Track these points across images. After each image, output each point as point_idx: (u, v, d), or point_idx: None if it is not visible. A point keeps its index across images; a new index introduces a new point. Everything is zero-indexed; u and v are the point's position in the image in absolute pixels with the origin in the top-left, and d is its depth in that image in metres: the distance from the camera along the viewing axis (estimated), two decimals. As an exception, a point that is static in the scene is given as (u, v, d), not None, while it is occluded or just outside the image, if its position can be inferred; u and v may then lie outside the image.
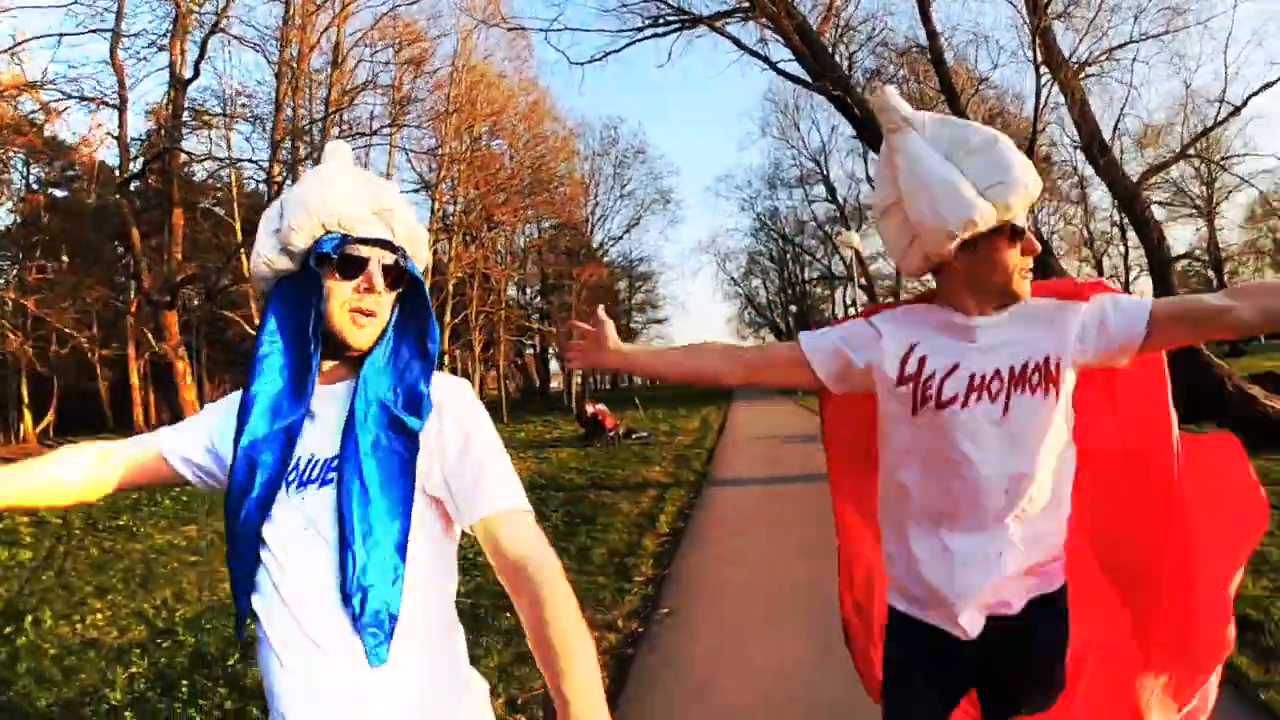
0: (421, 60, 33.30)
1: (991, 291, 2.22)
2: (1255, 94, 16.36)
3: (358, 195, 1.84)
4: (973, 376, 2.19)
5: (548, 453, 21.58)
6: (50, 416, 37.88)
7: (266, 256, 1.86)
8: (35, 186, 27.35)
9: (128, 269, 36.90)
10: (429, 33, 33.63)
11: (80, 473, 1.81)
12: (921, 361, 2.24)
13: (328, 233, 1.82)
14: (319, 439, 1.79)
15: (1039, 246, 2.20)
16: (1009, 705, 2.37)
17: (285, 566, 1.70)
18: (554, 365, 64.48)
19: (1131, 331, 2.15)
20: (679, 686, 5.29)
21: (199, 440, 1.88)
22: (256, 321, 2.00)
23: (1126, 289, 45.85)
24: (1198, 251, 57.54)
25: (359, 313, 1.82)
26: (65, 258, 34.88)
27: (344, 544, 1.67)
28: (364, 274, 1.83)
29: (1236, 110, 16.33)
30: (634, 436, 23.93)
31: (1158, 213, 49.49)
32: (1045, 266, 14.32)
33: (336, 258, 1.81)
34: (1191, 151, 22.41)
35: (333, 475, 1.74)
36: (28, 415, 36.90)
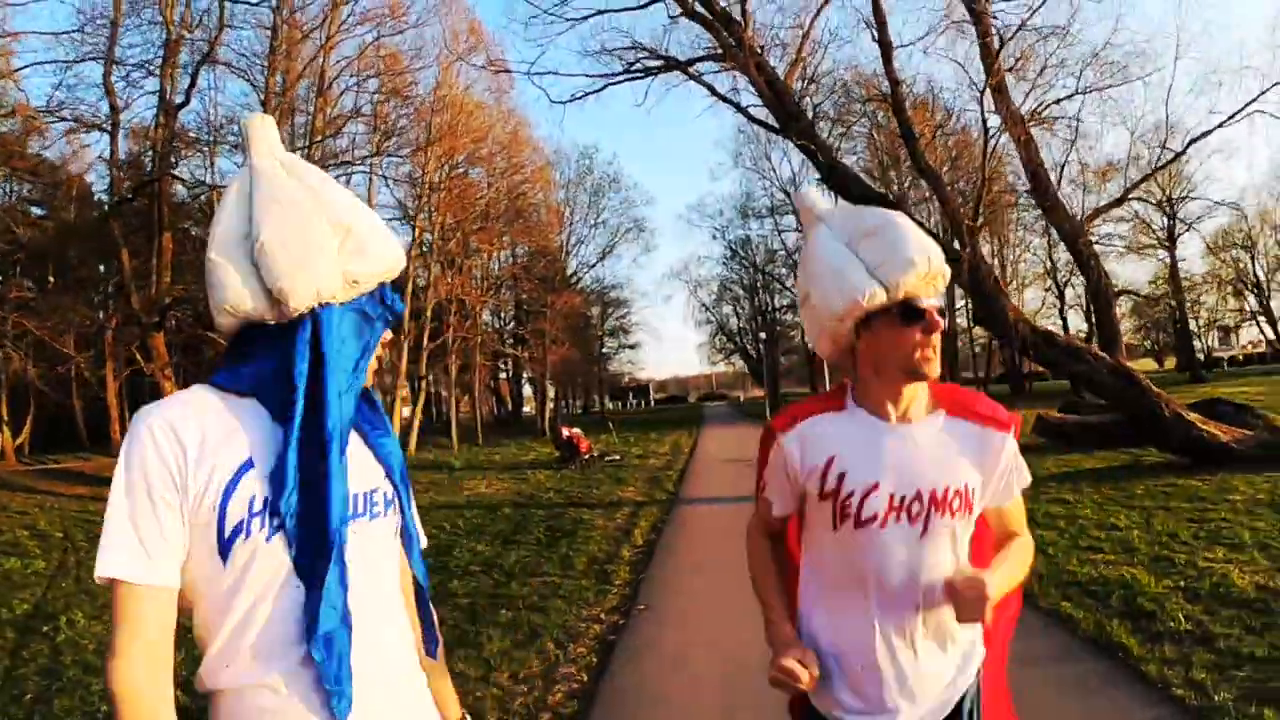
0: (404, 91, 33.95)
1: (893, 372, 2.21)
2: (1194, 141, 17.54)
3: (331, 273, 1.73)
4: (892, 497, 2.17)
5: (525, 474, 22.42)
6: (25, 435, 37.78)
7: (326, 286, 1.70)
8: (16, 204, 27.64)
9: (105, 289, 37.14)
10: (412, 64, 34.29)
11: (168, 690, 1.55)
12: (840, 478, 2.20)
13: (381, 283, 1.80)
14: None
15: (941, 324, 2.18)
16: None
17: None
18: (526, 390, 65.16)
19: (1000, 503, 2.33)
20: (657, 662, 6.26)
21: (179, 527, 1.55)
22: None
23: (1089, 318, 46.91)
24: (1147, 288, 58.73)
25: (378, 361, 1.87)
26: (52, 278, 35.23)
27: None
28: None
29: (1177, 155, 17.47)
30: (607, 459, 24.61)
31: (1118, 245, 50.88)
32: (994, 305, 15.38)
33: (393, 313, 1.85)
34: (1135, 194, 23.15)
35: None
36: (7, 432, 36.93)
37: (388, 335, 1.83)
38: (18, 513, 18.64)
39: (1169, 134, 18.64)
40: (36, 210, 31.53)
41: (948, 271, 2.19)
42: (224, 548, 1.53)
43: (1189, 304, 60.46)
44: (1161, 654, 5.36)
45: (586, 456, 24.22)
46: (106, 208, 25.64)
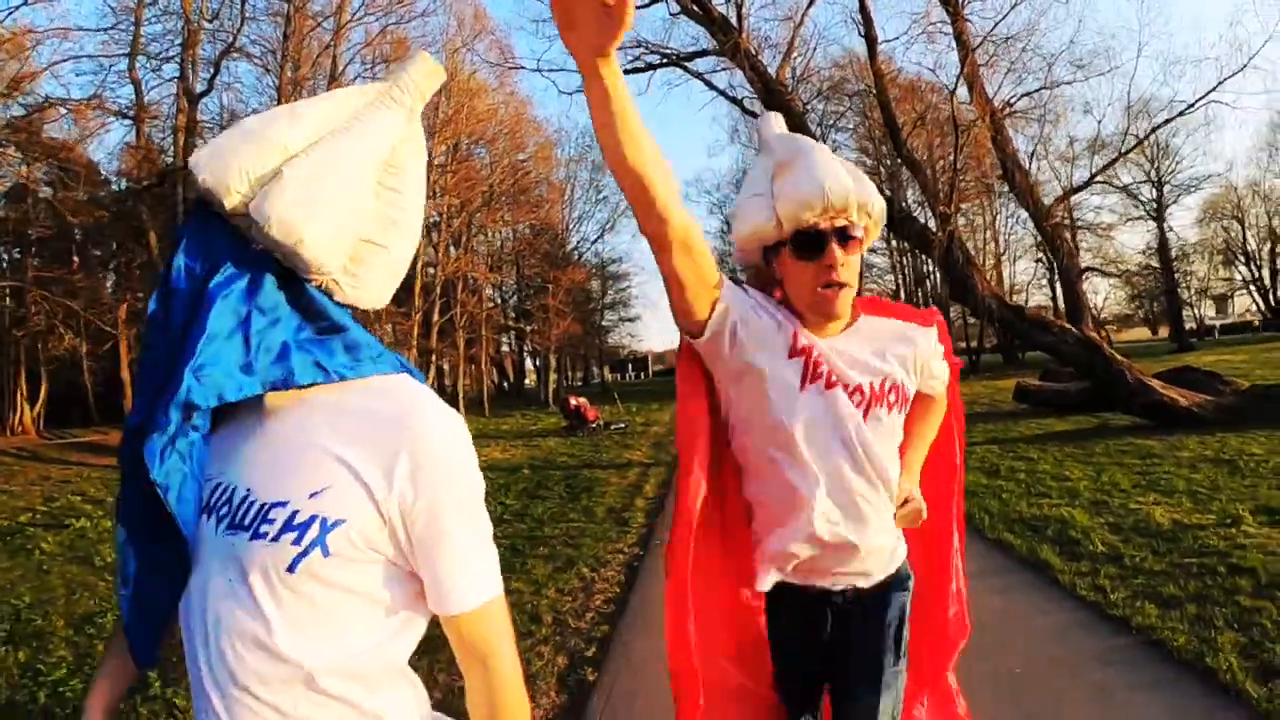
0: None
1: (802, 306, 2.23)
2: (1155, 129, 19.06)
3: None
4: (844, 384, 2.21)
5: (536, 441, 23.81)
6: (40, 409, 38.27)
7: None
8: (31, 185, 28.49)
9: (123, 268, 37.84)
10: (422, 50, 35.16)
11: None
12: (810, 343, 2.20)
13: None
14: None
15: (838, 259, 2.13)
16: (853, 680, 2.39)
17: None
18: (528, 363, 66.31)
19: (929, 386, 2.52)
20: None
21: None
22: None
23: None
24: (1139, 258, 59.56)
25: None
26: (76, 258, 36.14)
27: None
28: None
29: (1140, 142, 18.81)
30: (612, 427, 25.75)
31: (1108, 217, 51.83)
32: (966, 281, 16.63)
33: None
34: (1121, 165, 24.29)
35: None
36: (26, 408, 37.58)
37: None
38: (61, 482, 19.78)
39: (1131, 121, 19.92)
40: (46, 190, 32.10)
41: (867, 203, 2.18)
42: None
43: (1179, 274, 61.41)
44: (1077, 569, 6.69)
45: (593, 425, 25.42)
46: (131, 191, 26.55)
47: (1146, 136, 19.43)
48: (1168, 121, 18.25)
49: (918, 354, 2.35)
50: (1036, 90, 18.08)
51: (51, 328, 28.10)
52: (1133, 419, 15.45)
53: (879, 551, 2.31)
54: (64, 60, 23.81)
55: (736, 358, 2.20)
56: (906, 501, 2.35)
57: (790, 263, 2.20)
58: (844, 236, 2.16)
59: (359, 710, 1.40)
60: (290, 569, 1.31)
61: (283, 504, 1.32)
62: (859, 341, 2.26)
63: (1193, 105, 18.13)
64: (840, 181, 2.13)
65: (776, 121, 2.52)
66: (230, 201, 1.39)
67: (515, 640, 1.47)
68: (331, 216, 1.44)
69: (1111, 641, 5.21)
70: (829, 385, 2.19)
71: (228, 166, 1.39)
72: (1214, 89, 17.95)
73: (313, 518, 1.32)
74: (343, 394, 1.43)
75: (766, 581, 2.35)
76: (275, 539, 1.31)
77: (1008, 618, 5.83)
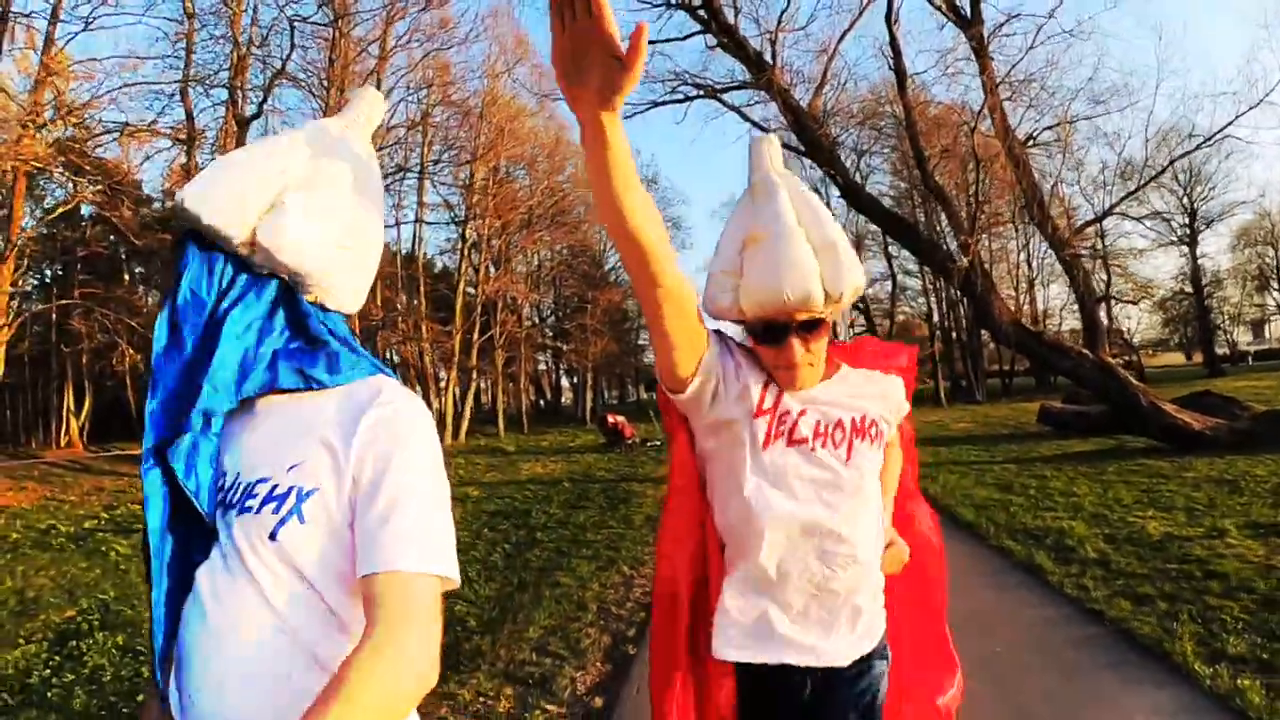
0: (454, 100, 35.91)
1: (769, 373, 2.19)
2: (1174, 161, 19.68)
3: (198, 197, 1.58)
4: (819, 423, 2.15)
5: (575, 457, 24.63)
6: (84, 422, 38.78)
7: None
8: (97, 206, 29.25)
9: (159, 284, 38.73)
10: (462, 76, 36.12)
11: None
12: (778, 397, 2.15)
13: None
14: None
15: (795, 352, 2.08)
16: None
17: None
18: (564, 381, 67.14)
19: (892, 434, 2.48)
20: None
21: None
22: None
23: (1109, 313, 48.11)
24: (1171, 283, 59.68)
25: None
26: (127, 276, 37.34)
27: None
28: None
29: (1153, 178, 19.47)
30: (648, 444, 26.32)
31: (1140, 242, 52.01)
32: (987, 307, 17.30)
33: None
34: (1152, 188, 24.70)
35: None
36: (73, 421, 38.27)
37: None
38: (116, 492, 20.74)
39: (1150, 154, 20.57)
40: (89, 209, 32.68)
41: (835, 290, 2.08)
42: None
43: (1213, 299, 61.42)
44: (1067, 572, 7.44)
45: (630, 441, 26.08)
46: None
47: (1159, 174, 20.19)
48: (1182, 156, 19.14)
49: (889, 402, 2.35)
50: (1054, 125, 18.79)
51: (113, 345, 28.85)
52: (1149, 441, 15.92)
53: (853, 611, 2.20)
54: (129, 86, 24.63)
55: (714, 414, 2.15)
56: (889, 545, 2.32)
57: (757, 342, 2.17)
58: (807, 327, 2.09)
59: None
60: (272, 537, 1.41)
61: (265, 479, 1.46)
62: (838, 387, 2.24)
63: (1209, 139, 18.86)
64: (801, 283, 2.04)
65: (771, 150, 2.32)
66: (237, 233, 1.56)
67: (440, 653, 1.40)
68: (328, 238, 1.65)
69: (1086, 630, 5.96)
70: (792, 442, 2.13)
71: (228, 201, 1.56)
72: (1230, 124, 18.52)
73: (290, 489, 1.44)
74: (327, 395, 1.57)
75: (723, 650, 2.17)
76: (258, 511, 1.43)
77: (997, 609, 6.60)
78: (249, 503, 1.45)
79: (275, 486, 1.45)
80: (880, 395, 2.31)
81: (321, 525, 1.44)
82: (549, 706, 5.26)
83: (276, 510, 1.43)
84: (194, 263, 1.57)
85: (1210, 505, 9.89)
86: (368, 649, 1.30)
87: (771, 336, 2.11)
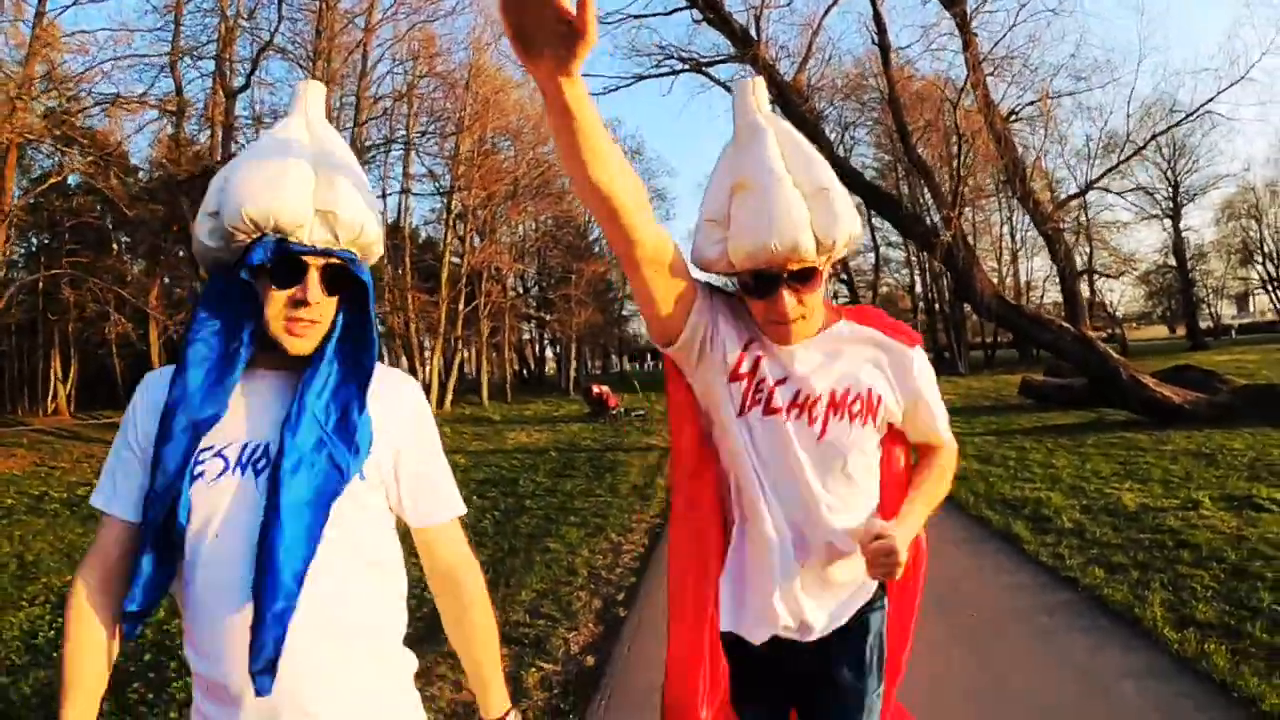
0: (439, 71, 35.84)
1: (760, 328, 2.12)
2: (1154, 136, 19.94)
3: (300, 198, 1.64)
4: (797, 393, 2.07)
5: (560, 427, 24.78)
6: (70, 390, 38.67)
7: (203, 242, 1.69)
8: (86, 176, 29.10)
9: (145, 254, 38.59)
10: (447, 46, 36.07)
11: (109, 625, 1.60)
12: (756, 362, 2.09)
13: (263, 235, 1.63)
14: (249, 425, 1.66)
15: (786, 305, 1.98)
16: None
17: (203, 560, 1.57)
18: (548, 351, 67.32)
19: (917, 433, 2.28)
20: None
21: (137, 476, 1.63)
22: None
23: (1090, 284, 48.28)
24: (1155, 256, 60.03)
25: (295, 322, 1.66)
26: (115, 246, 37.21)
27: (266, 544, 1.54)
28: (301, 283, 1.65)
29: (1138, 150, 19.67)
30: (632, 414, 26.54)
31: (1124, 215, 52.26)
32: (969, 281, 17.49)
33: (271, 266, 1.64)
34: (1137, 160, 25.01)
35: (262, 464, 1.62)
36: (61, 389, 38.22)
37: (295, 296, 1.65)
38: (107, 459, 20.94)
39: (1132, 131, 20.78)
40: (72, 179, 32.56)
41: (828, 239, 1.96)
42: (154, 496, 1.58)
43: (1196, 273, 62.06)
44: (1043, 541, 7.66)
45: (614, 411, 26.25)
46: (172, 182, 27.39)
47: (1139, 150, 20.53)
48: (1163, 132, 19.37)
49: (893, 363, 2.17)
50: (1036, 101, 18.97)
51: (104, 314, 28.87)
52: (1129, 414, 16.20)
53: (842, 587, 2.18)
54: (121, 59, 24.65)
55: (701, 372, 2.14)
56: (878, 538, 1.94)
57: (746, 294, 2.08)
58: (801, 276, 1.99)
59: (388, 622, 1.77)
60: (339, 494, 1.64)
61: (264, 443, 1.65)
62: (827, 346, 2.13)
63: (1189, 115, 19.07)
64: (790, 231, 1.93)
65: (757, 92, 2.16)
66: (307, 218, 1.66)
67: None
68: (369, 201, 1.79)
69: (1060, 596, 6.17)
70: (769, 411, 2.07)
71: (297, 187, 1.66)
72: (1211, 99, 18.79)
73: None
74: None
75: (724, 620, 2.14)
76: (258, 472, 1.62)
77: (974, 576, 6.82)
78: (261, 464, 1.63)
79: (268, 448, 1.65)
80: (879, 352, 2.18)
81: (370, 482, 1.69)
82: (544, 665, 5.43)
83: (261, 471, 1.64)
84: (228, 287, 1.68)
85: (1186, 478, 10.13)
86: (460, 598, 1.87)
87: (762, 289, 2.02)
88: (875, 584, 2.25)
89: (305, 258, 1.67)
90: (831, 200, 1.99)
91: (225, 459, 1.61)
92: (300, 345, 1.68)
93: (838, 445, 2.08)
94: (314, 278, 1.67)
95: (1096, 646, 5.16)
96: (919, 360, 2.21)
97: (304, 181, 1.66)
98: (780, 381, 2.08)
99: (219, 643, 1.55)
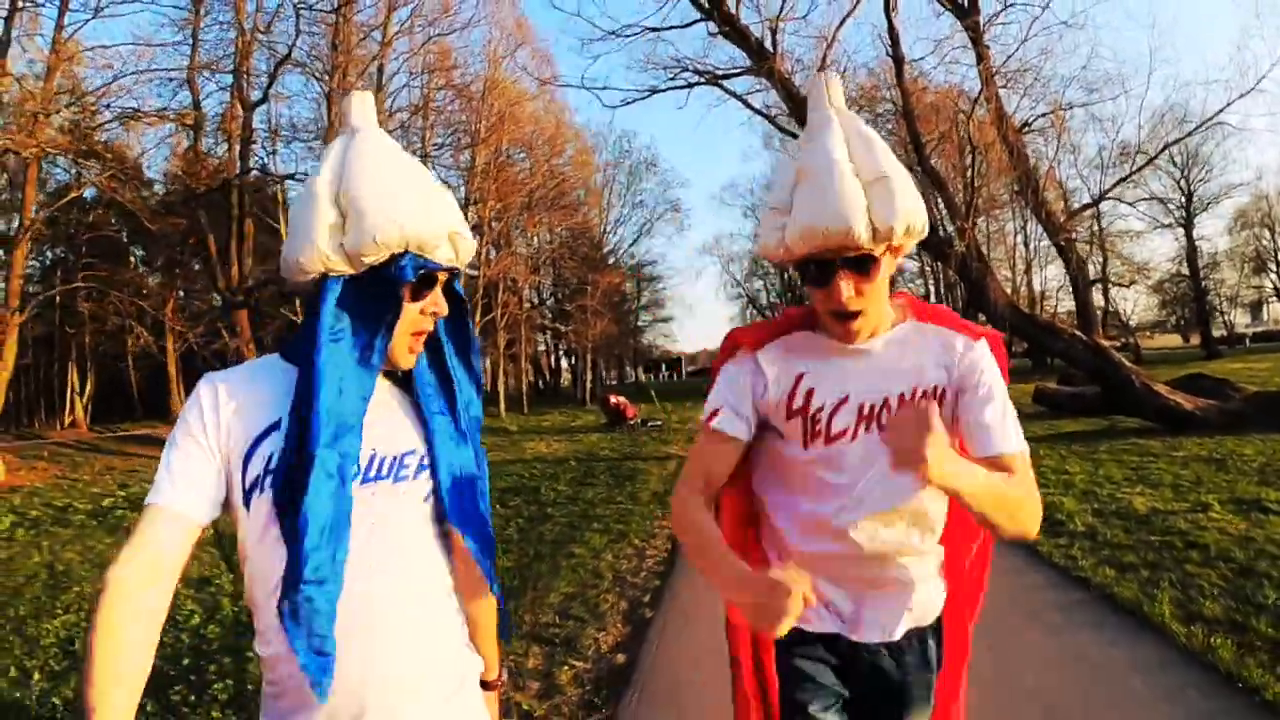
0: (455, 83, 36.13)
1: (823, 322, 2.09)
2: (1167, 146, 20.14)
3: (442, 221, 1.73)
4: (861, 407, 2.04)
5: (578, 437, 25.02)
6: (87, 403, 38.81)
7: (326, 255, 1.66)
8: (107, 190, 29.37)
9: (175, 270, 38.95)
10: (463, 59, 36.35)
11: (155, 622, 1.51)
12: (809, 395, 2.07)
13: (404, 252, 1.69)
14: (379, 437, 1.71)
15: (842, 293, 1.95)
16: None
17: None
18: (564, 362, 67.48)
19: (992, 442, 2.02)
20: None
21: (212, 478, 1.62)
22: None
23: (1105, 294, 48.41)
24: (1168, 265, 59.95)
25: (419, 336, 1.77)
26: (133, 260, 37.60)
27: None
28: (432, 298, 1.76)
29: (1149, 161, 19.88)
30: (649, 424, 26.79)
31: (1137, 225, 52.24)
32: (982, 289, 17.67)
33: (415, 281, 1.71)
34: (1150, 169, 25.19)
35: (406, 472, 1.73)
36: (78, 402, 38.45)
37: (429, 308, 1.76)
38: (128, 471, 21.12)
39: (1142, 142, 20.98)
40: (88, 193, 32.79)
41: (887, 225, 1.90)
42: (245, 499, 1.60)
43: (1210, 281, 61.95)
44: (1056, 543, 7.85)
45: (632, 422, 26.48)
46: (190, 195, 27.69)
47: (1150, 161, 20.79)
48: (1174, 143, 19.58)
49: (957, 356, 2.08)
50: (1049, 113, 19.19)
51: (126, 327, 29.20)
52: (1141, 422, 16.28)
53: (914, 604, 2.16)
54: (142, 73, 24.97)
55: (763, 434, 2.18)
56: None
57: (805, 284, 2.06)
58: (858, 264, 1.95)
59: (456, 613, 1.82)
60: (425, 500, 1.76)
61: (412, 451, 1.76)
62: (892, 347, 2.08)
63: (1200, 126, 19.32)
64: (842, 215, 1.89)
65: (831, 87, 2.12)
66: (442, 249, 1.75)
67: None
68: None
69: (1071, 595, 6.38)
70: (830, 440, 2.05)
71: (442, 211, 1.76)
72: (1220, 111, 18.94)
73: (422, 459, 1.77)
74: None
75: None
76: (415, 477, 1.74)
77: (989, 577, 7.01)
78: (403, 472, 1.73)
79: (421, 458, 1.76)
80: (939, 360, 2.08)
81: (421, 481, 1.77)
82: (575, 663, 5.65)
83: (417, 477, 1.75)
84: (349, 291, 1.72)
85: (1197, 482, 10.25)
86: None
87: (818, 276, 2.00)
88: (935, 612, 2.24)
89: (437, 274, 1.76)
90: (891, 188, 1.93)
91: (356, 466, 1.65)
92: (411, 360, 1.79)
93: None
94: (439, 293, 1.78)
95: (1107, 641, 5.36)
96: (984, 353, 2.11)
97: (444, 205, 1.76)
98: (839, 405, 2.06)
99: (362, 645, 1.58)
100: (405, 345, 1.76)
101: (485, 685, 1.97)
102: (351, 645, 1.57)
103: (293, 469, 1.58)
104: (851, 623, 2.17)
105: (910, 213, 1.93)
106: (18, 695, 5.60)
